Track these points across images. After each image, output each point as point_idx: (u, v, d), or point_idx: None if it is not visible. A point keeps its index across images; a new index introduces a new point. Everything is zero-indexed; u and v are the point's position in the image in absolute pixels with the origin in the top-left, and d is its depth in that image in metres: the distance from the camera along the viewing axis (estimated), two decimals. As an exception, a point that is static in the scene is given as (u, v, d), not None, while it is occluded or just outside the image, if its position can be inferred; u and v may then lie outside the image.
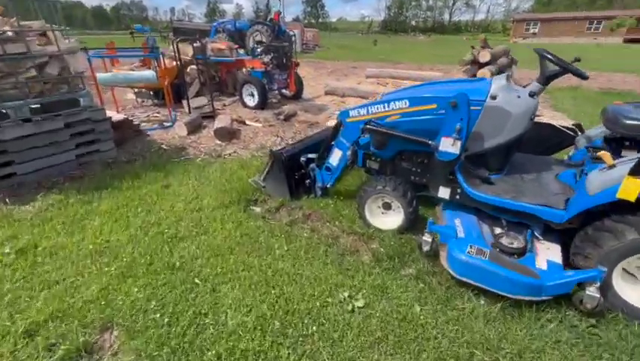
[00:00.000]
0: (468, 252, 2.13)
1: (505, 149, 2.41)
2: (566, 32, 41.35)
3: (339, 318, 1.95)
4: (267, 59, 6.18)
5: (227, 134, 5.01)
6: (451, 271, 2.18)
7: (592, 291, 1.88)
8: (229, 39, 10.01)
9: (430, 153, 2.61)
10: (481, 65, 6.98)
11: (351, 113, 2.74)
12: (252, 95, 6.51)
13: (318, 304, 2.04)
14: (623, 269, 1.93)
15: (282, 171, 3.17)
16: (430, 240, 2.35)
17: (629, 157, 1.90)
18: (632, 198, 1.78)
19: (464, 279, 2.13)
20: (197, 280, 2.22)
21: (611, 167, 1.91)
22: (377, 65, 14.07)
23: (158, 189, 3.52)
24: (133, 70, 6.52)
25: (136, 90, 6.96)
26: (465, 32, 64.27)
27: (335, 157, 3.00)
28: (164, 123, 5.72)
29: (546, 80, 2.27)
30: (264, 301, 2.06)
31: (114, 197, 3.33)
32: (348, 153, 2.92)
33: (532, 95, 2.30)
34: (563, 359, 1.74)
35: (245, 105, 6.68)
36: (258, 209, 3.21)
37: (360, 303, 2.05)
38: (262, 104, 6.47)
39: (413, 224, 2.72)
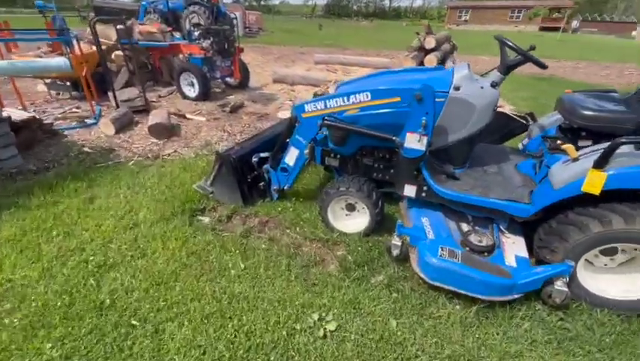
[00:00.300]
0: (440, 255, 2.01)
1: (469, 142, 2.33)
2: (493, 20, 44.75)
3: (311, 348, 1.71)
4: (206, 43, 5.54)
5: (165, 131, 4.41)
6: (423, 276, 2.06)
7: (560, 285, 1.87)
8: (161, 21, 8.92)
9: (394, 148, 2.44)
10: (427, 52, 7.07)
11: (307, 107, 2.45)
12: (192, 84, 5.85)
13: (284, 333, 1.78)
14: (586, 260, 1.96)
15: (232, 174, 2.79)
16: (399, 243, 2.20)
17: (591, 148, 1.89)
18: (597, 192, 1.77)
19: (437, 284, 2.02)
20: (133, 322, 1.82)
21: (575, 160, 1.89)
22: (325, 50, 13.77)
23: (80, 203, 2.92)
24: (40, 56, 5.44)
25: (48, 81, 5.86)
26: (404, 18, 66.39)
27: (291, 156, 2.71)
28: (86, 120, 4.88)
29: (507, 69, 2.19)
30: (220, 337, 1.74)
31: (19, 219, 2.68)
32: (306, 151, 2.64)
33: (494, 85, 2.21)
34: (540, 360, 1.71)
35: (184, 96, 5.99)
36: (206, 219, 2.81)
37: (331, 326, 1.83)
38: (204, 95, 5.85)
39: (380, 225, 2.56)
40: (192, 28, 6.16)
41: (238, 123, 5.07)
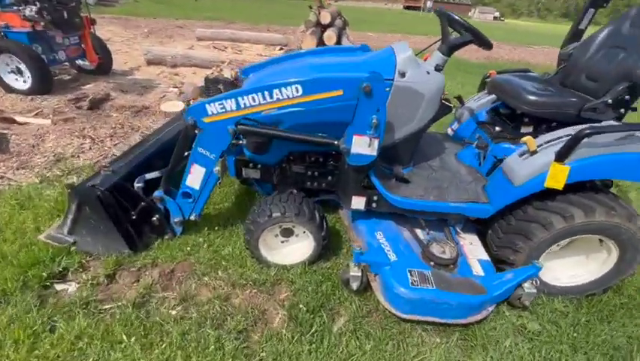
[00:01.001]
0: (412, 283, 1.66)
1: (416, 137, 1.99)
2: (367, -3, 47.66)
3: None
4: (30, 11, 3.83)
5: (-22, 149, 2.89)
6: (393, 311, 1.70)
7: (529, 287, 1.75)
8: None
9: (331, 151, 1.95)
10: (324, 27, 6.67)
11: (210, 108, 1.70)
12: (19, 71, 4.10)
13: None
14: None
15: (104, 216, 1.86)
16: (359, 274, 1.77)
17: (545, 139, 1.75)
18: (560, 187, 1.64)
19: (411, 317, 1.68)
20: None
21: (533, 152, 1.72)
22: (206, 24, 12.01)
23: None
24: None
25: None
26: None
27: (195, 177, 1.93)
28: None
29: (449, 49, 1.87)
30: None
31: None
32: (217, 168, 1.91)
33: (439, 69, 1.88)
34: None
35: (9, 89, 4.18)
36: (71, 287, 1.84)
37: None
38: (42, 86, 4.18)
39: (326, 248, 2.07)
40: (5, -11, 4.22)
41: (105, 124, 3.76)
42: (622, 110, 1.76)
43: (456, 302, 1.64)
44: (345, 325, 1.74)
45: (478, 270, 1.84)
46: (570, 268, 1.95)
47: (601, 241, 1.79)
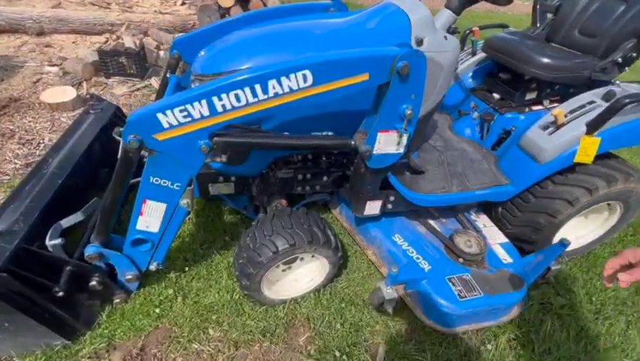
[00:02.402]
0: (458, 295, 1.44)
1: (429, 117, 1.66)
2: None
3: None
4: None
5: None
6: (440, 328, 1.48)
7: (555, 264, 1.68)
8: None
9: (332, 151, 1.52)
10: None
11: (166, 119, 1.06)
12: None
13: None
14: None
15: (9, 307, 1.15)
16: (395, 296, 1.47)
17: (570, 108, 1.58)
18: (590, 160, 1.53)
19: (459, 329, 1.49)
20: None
21: (560, 125, 1.55)
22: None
23: None
24: None
25: None
26: None
27: (152, 218, 1.30)
28: None
29: (462, 5, 1.51)
30: None
31: None
32: (185, 201, 1.30)
33: (452, 31, 1.52)
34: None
35: None
36: None
37: None
38: None
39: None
40: None
41: (-49, 134, 2.53)
42: (626, 68, 1.68)
43: (504, 303, 1.49)
44: (387, 356, 1.46)
45: (504, 256, 1.71)
46: (575, 231, 1.96)
47: (609, 204, 1.80)
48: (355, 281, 1.75)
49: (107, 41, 3.74)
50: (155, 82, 3.55)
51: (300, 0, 2.04)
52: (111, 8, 5.92)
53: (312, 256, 1.55)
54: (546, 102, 1.88)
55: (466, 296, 1.44)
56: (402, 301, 1.57)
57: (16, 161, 2.41)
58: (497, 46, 1.88)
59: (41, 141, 2.63)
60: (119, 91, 3.42)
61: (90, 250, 1.32)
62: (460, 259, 1.64)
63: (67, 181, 1.53)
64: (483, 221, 1.92)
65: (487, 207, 1.97)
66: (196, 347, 1.43)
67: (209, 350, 1.43)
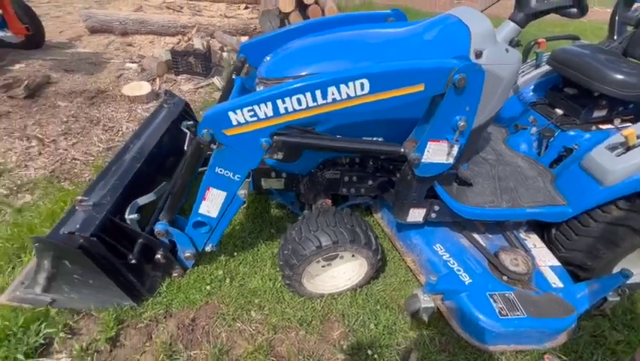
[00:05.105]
0: (499, 313, 1.41)
1: (483, 130, 1.64)
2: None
3: None
4: None
5: None
6: (477, 344, 1.45)
7: (613, 296, 1.57)
8: None
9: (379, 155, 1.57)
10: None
11: (236, 117, 1.20)
12: None
13: None
14: None
15: (95, 266, 1.36)
16: (432, 305, 1.48)
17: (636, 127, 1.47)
18: (664, 186, 1.41)
19: (498, 348, 1.45)
20: None
21: (630, 147, 1.45)
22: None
23: None
24: None
25: None
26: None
27: (212, 203, 1.46)
28: None
29: (527, 18, 1.48)
30: None
31: None
32: (242, 192, 1.44)
33: (515, 44, 1.50)
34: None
35: None
36: (61, 363, 1.39)
37: None
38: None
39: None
40: None
41: (53, 117, 2.98)
42: None
43: (550, 329, 1.42)
44: (419, 363, 1.48)
45: (554, 280, 1.63)
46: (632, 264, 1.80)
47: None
48: (392, 286, 1.78)
49: (179, 42, 4.12)
50: (217, 81, 3.85)
51: (360, 9, 2.11)
52: (183, 12, 6.50)
53: (353, 256, 1.62)
54: (617, 121, 1.75)
55: (507, 315, 1.41)
56: (438, 311, 1.57)
57: (99, 144, 2.78)
58: (565, 59, 1.79)
59: (120, 129, 3.00)
60: (185, 87, 3.76)
61: (159, 227, 1.51)
62: (505, 277, 1.59)
63: (143, 166, 1.75)
64: (533, 241, 1.84)
65: (538, 227, 1.89)
66: (239, 325, 1.57)
67: (250, 330, 1.55)
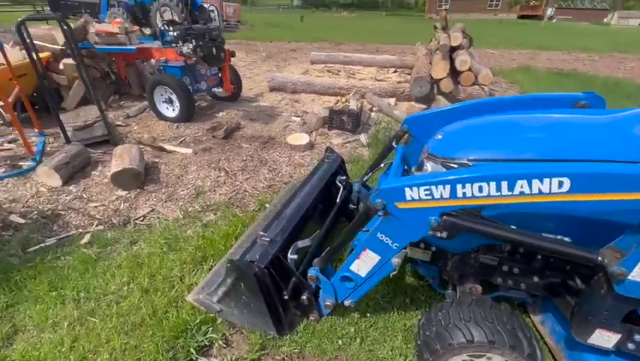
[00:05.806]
0: None
1: None
2: (472, 8, 44.23)
3: None
4: (187, 48, 4.19)
5: (135, 180, 3.12)
6: None
7: None
8: (128, 16, 7.40)
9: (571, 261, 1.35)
10: (453, 49, 6.00)
11: (410, 193, 1.28)
12: (170, 101, 4.52)
13: None
14: None
15: (259, 295, 1.61)
16: None
17: None
18: None
19: None
20: None
21: None
22: (317, 46, 12.44)
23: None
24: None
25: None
26: (382, 8, 65.07)
27: (364, 263, 1.54)
28: (22, 164, 3.49)
29: None
30: None
31: None
32: (397, 260, 1.48)
33: None
34: None
35: (161, 116, 4.65)
36: (215, 368, 1.63)
37: None
38: (187, 115, 4.54)
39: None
40: (165, 27, 4.78)
41: (237, 155, 3.82)
42: None
43: None
44: None
45: None
46: None
47: None
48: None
49: (337, 102, 4.73)
50: (362, 138, 4.20)
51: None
52: (340, 75, 7.51)
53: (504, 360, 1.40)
54: None
55: None
56: None
57: (264, 182, 3.36)
58: None
59: (280, 171, 3.57)
60: (335, 141, 4.24)
61: (312, 272, 1.68)
62: None
63: (306, 212, 2.02)
64: None
65: None
66: (364, 393, 1.53)
67: (374, 404, 1.49)
